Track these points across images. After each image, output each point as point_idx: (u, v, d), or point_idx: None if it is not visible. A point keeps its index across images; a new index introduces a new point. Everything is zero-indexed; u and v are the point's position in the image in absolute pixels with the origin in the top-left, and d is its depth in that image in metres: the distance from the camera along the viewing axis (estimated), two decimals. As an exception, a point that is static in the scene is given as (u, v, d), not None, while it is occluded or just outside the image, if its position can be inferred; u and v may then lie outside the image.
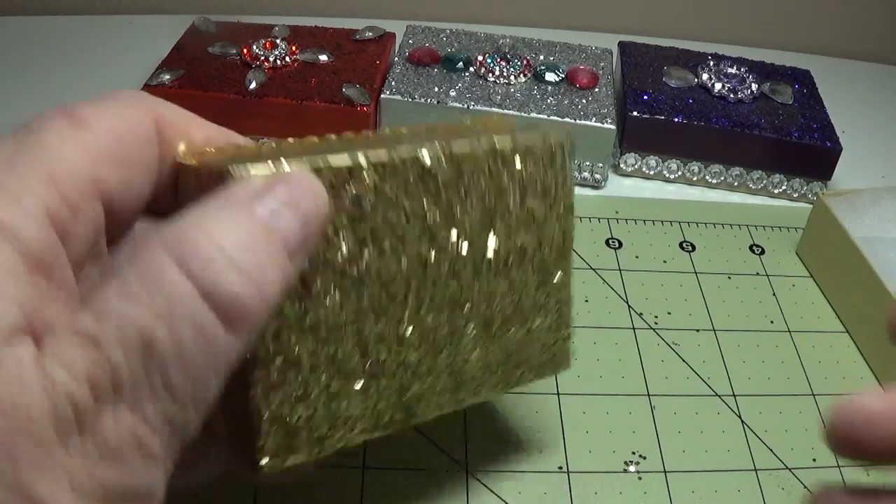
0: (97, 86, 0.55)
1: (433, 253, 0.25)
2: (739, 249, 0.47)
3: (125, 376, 0.17)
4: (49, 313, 0.18)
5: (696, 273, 0.45)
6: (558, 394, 0.37)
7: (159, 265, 0.18)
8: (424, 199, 0.24)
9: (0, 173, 0.19)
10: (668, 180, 0.52)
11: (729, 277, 0.45)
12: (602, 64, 0.53)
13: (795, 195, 0.52)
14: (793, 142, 0.50)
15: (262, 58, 0.50)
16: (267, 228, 0.19)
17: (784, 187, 0.52)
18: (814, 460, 0.36)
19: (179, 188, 0.24)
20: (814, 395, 0.39)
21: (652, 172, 0.52)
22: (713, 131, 0.50)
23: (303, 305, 0.22)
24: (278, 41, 0.51)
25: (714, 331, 0.42)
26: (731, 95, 0.52)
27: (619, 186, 0.52)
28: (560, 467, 0.35)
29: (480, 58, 0.52)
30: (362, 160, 0.23)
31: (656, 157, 0.51)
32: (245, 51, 0.50)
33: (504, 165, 0.26)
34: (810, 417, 0.38)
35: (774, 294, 0.44)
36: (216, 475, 0.26)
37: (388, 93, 0.49)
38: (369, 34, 0.54)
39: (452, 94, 0.49)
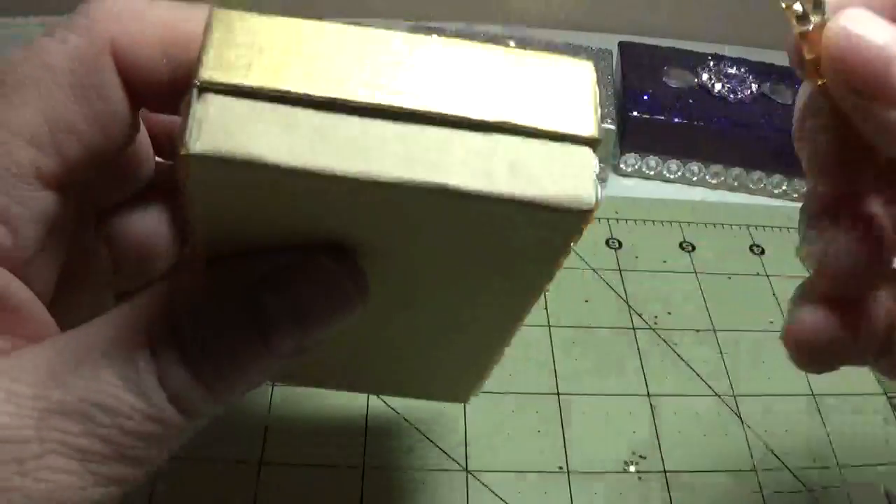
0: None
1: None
2: (739, 250, 0.47)
3: None
4: None
5: (696, 273, 0.45)
6: (558, 394, 0.37)
7: None
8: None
9: None
10: (667, 180, 0.52)
11: (729, 278, 0.45)
12: (602, 64, 0.53)
13: (795, 195, 0.52)
14: (793, 142, 0.50)
15: (262, 58, 0.50)
16: None
17: (784, 187, 0.52)
18: (814, 460, 0.36)
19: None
20: (814, 395, 0.39)
21: (652, 173, 0.52)
22: (713, 131, 0.50)
23: None
24: (278, 41, 0.51)
25: (714, 331, 0.42)
26: (732, 95, 0.52)
27: (619, 186, 0.51)
28: (560, 467, 0.35)
29: (480, 58, 0.52)
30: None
31: (656, 158, 0.51)
32: (245, 51, 0.50)
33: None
34: (810, 417, 0.38)
35: (774, 294, 0.44)
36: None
37: (388, 93, 0.49)
38: (369, 34, 0.54)
39: (452, 94, 0.49)
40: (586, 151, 0.18)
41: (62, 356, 0.18)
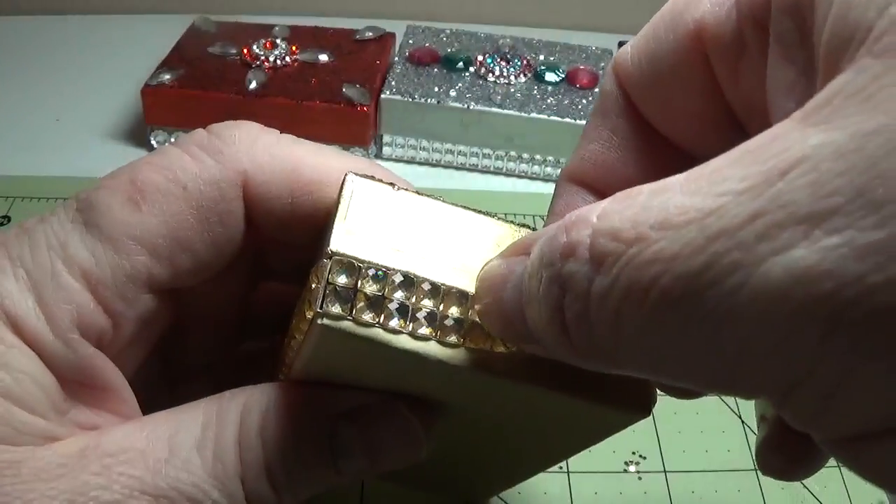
0: (97, 86, 0.55)
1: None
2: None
3: None
4: (84, 416, 0.21)
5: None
6: (558, 394, 0.37)
7: None
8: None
9: (41, 278, 0.20)
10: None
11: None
12: (602, 64, 0.53)
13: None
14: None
15: (262, 58, 0.50)
16: None
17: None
18: (814, 460, 0.36)
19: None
20: (814, 395, 0.39)
21: (652, 172, 0.52)
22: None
23: None
24: (278, 41, 0.51)
25: (714, 331, 0.42)
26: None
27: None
28: (560, 467, 0.35)
29: (480, 58, 0.52)
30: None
31: (656, 157, 0.51)
32: (245, 51, 0.50)
33: None
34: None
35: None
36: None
37: (388, 93, 0.49)
38: (369, 34, 0.54)
39: (452, 94, 0.49)
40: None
41: (154, 441, 0.20)
